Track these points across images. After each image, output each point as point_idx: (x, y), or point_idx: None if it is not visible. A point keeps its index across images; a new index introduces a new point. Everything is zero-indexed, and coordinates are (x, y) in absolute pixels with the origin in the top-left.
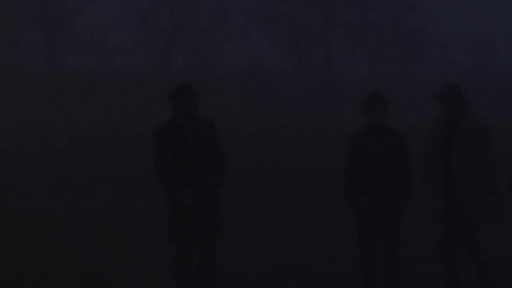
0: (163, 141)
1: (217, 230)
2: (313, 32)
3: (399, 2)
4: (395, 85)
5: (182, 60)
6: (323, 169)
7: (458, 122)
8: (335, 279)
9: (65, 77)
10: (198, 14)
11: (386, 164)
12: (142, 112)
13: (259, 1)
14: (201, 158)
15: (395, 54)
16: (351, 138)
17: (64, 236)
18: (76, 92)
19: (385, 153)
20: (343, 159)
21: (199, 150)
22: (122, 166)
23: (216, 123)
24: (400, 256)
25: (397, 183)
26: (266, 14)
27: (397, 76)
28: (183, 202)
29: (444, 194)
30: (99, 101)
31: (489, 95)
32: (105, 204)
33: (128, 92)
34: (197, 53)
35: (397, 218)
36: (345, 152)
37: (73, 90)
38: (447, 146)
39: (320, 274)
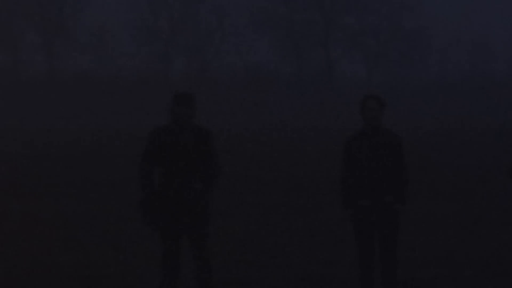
0: (154, 142)
1: (203, 236)
2: (312, 35)
3: (398, 4)
4: (394, 88)
5: (180, 62)
6: (321, 171)
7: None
8: (333, 282)
9: (64, 80)
10: (197, 17)
11: (382, 166)
12: (141, 114)
13: (257, 4)
14: (189, 165)
15: (394, 57)
16: (347, 141)
17: (62, 238)
18: (74, 94)
19: (381, 155)
20: (340, 162)
21: (189, 157)
22: (120, 168)
23: (213, 133)
24: (398, 259)
25: (394, 185)
26: (265, 16)
27: (396, 78)
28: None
29: None
30: (98, 103)
31: (488, 97)
32: (104, 206)
33: (127, 95)
34: (196, 56)
35: (395, 221)
36: (342, 154)
37: (71, 92)
38: None
39: (318, 277)
